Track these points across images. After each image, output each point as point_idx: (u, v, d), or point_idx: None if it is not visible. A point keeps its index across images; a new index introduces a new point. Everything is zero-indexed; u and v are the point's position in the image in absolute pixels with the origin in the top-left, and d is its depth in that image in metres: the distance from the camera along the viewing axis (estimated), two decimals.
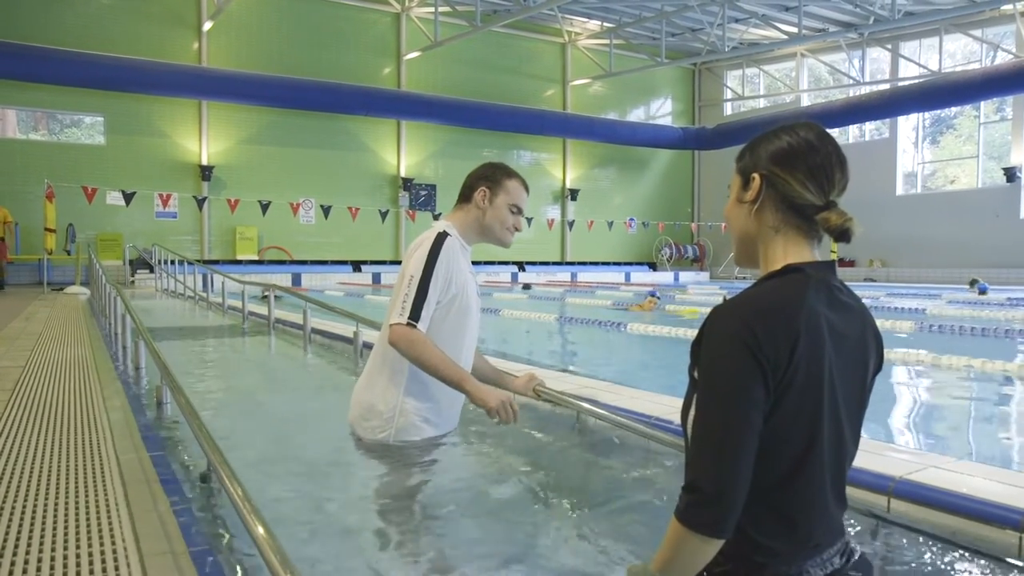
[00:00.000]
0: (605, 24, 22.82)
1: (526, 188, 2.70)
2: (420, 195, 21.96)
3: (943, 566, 1.72)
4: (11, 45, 15.62)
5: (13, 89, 16.66)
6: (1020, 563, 1.73)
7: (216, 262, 17.47)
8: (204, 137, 19.11)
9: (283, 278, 16.78)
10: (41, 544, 1.81)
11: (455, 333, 2.59)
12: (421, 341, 2.41)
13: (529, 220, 23.17)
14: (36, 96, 17.07)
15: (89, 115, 18.14)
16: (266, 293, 9.53)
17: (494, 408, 2.39)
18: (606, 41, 23.27)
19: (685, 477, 1.37)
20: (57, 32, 16.86)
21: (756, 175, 1.48)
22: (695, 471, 1.36)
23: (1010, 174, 19.62)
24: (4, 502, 2.13)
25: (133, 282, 16.67)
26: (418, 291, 2.44)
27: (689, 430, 1.42)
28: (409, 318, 2.41)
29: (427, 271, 2.45)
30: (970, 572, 1.70)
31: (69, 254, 16.07)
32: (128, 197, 15.21)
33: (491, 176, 2.64)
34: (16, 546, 1.79)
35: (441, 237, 2.53)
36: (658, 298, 11.03)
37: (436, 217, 20.02)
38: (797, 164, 1.44)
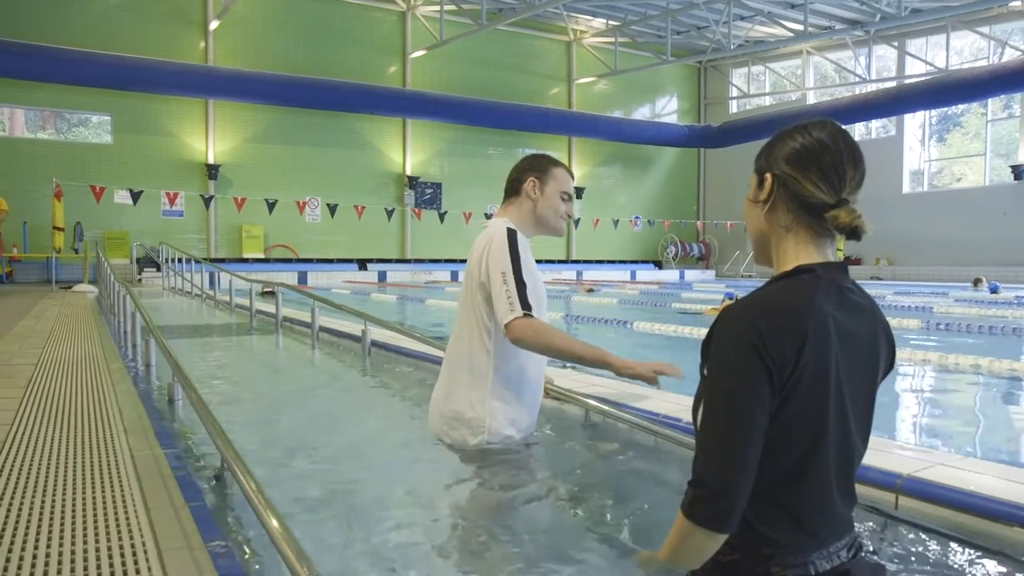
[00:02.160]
0: (610, 22, 22.80)
1: (572, 176, 2.72)
2: (426, 193, 21.99)
3: (951, 563, 1.73)
4: (18, 44, 15.69)
5: (21, 89, 16.74)
6: None
7: (223, 260, 17.54)
8: (211, 136, 19.18)
9: (289, 276, 16.83)
10: (61, 538, 1.84)
11: None
12: (545, 327, 2.39)
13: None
14: (44, 95, 17.15)
15: (96, 114, 18.22)
16: (266, 290, 9.57)
17: (650, 377, 2.38)
18: (611, 39, 23.25)
19: (692, 472, 1.40)
20: (64, 32, 16.94)
21: (769, 175, 1.50)
22: (701, 467, 1.39)
23: (1018, 172, 19.53)
24: (24, 498, 2.16)
25: (140, 280, 16.75)
26: (517, 283, 2.40)
27: (698, 427, 1.45)
28: (523, 310, 2.37)
29: (515, 263, 2.42)
30: (978, 569, 1.71)
31: (77, 252, 16.15)
32: (135, 196, 15.29)
33: (537, 166, 2.64)
34: (37, 540, 1.82)
35: (513, 232, 2.50)
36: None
37: (442, 216, 20.05)
38: (809, 163, 1.45)
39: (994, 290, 12.90)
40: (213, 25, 18.66)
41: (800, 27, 20.11)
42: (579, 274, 21.85)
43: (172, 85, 17.61)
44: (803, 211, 1.47)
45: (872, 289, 13.39)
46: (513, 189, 2.66)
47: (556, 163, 2.68)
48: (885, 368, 1.54)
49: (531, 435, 2.65)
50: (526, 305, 2.37)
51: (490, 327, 2.50)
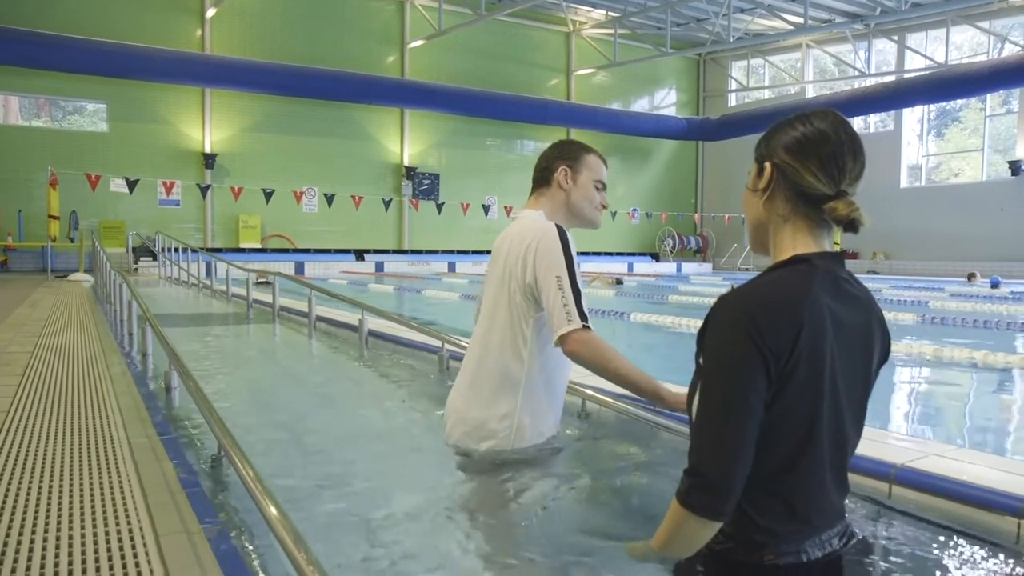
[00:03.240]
0: (610, 13, 22.74)
1: (605, 163, 2.50)
2: (423, 184, 21.96)
3: (943, 552, 1.75)
4: (13, 31, 15.60)
5: (15, 75, 16.65)
6: (1019, 549, 1.76)
7: (219, 250, 17.51)
8: (207, 125, 19.11)
9: (286, 266, 16.82)
10: (59, 523, 1.84)
11: None
12: (604, 346, 2.20)
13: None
14: (38, 83, 17.06)
15: (92, 102, 18.14)
16: (260, 280, 9.56)
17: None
18: (611, 31, 23.18)
19: (688, 461, 1.41)
20: (60, 18, 16.84)
21: (768, 164, 1.50)
22: (697, 456, 1.40)
23: (1015, 167, 19.56)
24: (21, 483, 2.16)
25: (136, 269, 16.72)
26: (573, 291, 2.20)
27: (693, 416, 1.46)
28: (582, 321, 2.17)
29: (571, 267, 2.23)
30: (969, 558, 1.73)
31: (72, 241, 16.11)
32: (131, 184, 15.23)
33: (568, 153, 2.43)
34: (34, 525, 1.83)
35: (563, 232, 2.29)
36: None
37: (440, 207, 20.01)
38: (809, 154, 1.45)
39: (995, 284, 12.91)
40: (210, 13, 18.57)
41: (800, 20, 20.07)
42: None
43: (168, 73, 17.54)
44: (801, 201, 1.47)
45: (869, 283, 13.39)
46: (543, 179, 2.44)
47: (588, 149, 2.48)
48: (880, 359, 1.54)
49: (553, 437, 2.49)
50: (584, 316, 2.18)
51: (528, 334, 2.31)
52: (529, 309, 2.30)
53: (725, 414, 1.37)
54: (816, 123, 1.47)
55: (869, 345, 1.51)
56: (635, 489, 2.42)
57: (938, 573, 1.64)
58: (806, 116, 1.49)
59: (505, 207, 20.85)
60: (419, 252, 21.44)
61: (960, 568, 1.68)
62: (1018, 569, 1.68)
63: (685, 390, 2.12)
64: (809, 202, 1.46)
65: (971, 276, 15.12)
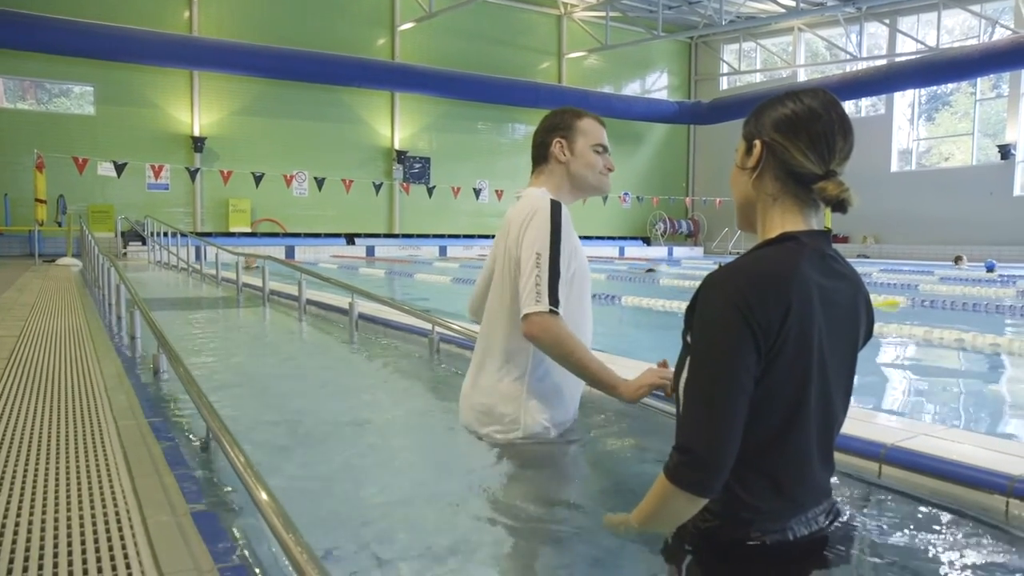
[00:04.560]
0: None
1: (602, 124, 2.36)
2: (414, 167, 21.85)
3: (933, 530, 1.76)
4: None
5: (0, 57, 16.41)
6: (1007, 527, 1.77)
7: (209, 234, 17.40)
8: (196, 108, 18.92)
9: (277, 251, 16.72)
10: (44, 506, 1.83)
11: (578, 314, 2.24)
12: (567, 334, 2.07)
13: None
14: (23, 64, 16.84)
15: (78, 84, 17.92)
16: (248, 265, 9.50)
17: (661, 383, 2.09)
18: (602, 13, 23.04)
19: (676, 438, 1.40)
20: None
21: (758, 142, 1.48)
22: (687, 432, 1.39)
23: (1004, 151, 19.63)
24: (6, 466, 2.14)
25: (125, 254, 16.60)
26: (551, 271, 2.07)
27: (681, 393, 1.45)
28: (550, 305, 2.04)
29: (555, 246, 2.10)
30: (959, 535, 1.74)
31: (60, 225, 15.96)
32: (119, 168, 15.09)
33: (560, 124, 2.31)
34: (19, 507, 1.81)
35: (557, 206, 2.17)
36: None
37: (431, 190, 19.93)
38: (799, 132, 1.44)
39: (991, 268, 12.96)
40: None
41: (792, 3, 20.01)
42: None
43: (156, 55, 17.32)
44: (791, 180, 1.46)
45: (859, 267, 13.46)
46: (540, 156, 2.33)
47: (581, 114, 2.33)
48: (864, 336, 1.55)
49: (569, 430, 2.36)
50: (554, 300, 2.05)
51: None
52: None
53: (715, 391, 1.36)
54: (807, 101, 1.46)
55: (855, 322, 1.51)
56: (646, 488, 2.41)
57: (927, 551, 1.65)
58: (796, 94, 1.47)
59: (496, 191, 20.81)
60: (410, 236, 21.38)
61: (950, 546, 1.69)
62: (1006, 546, 1.69)
63: (642, 382, 2.10)
64: (798, 181, 1.46)
65: (958, 259, 15.20)
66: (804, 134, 1.44)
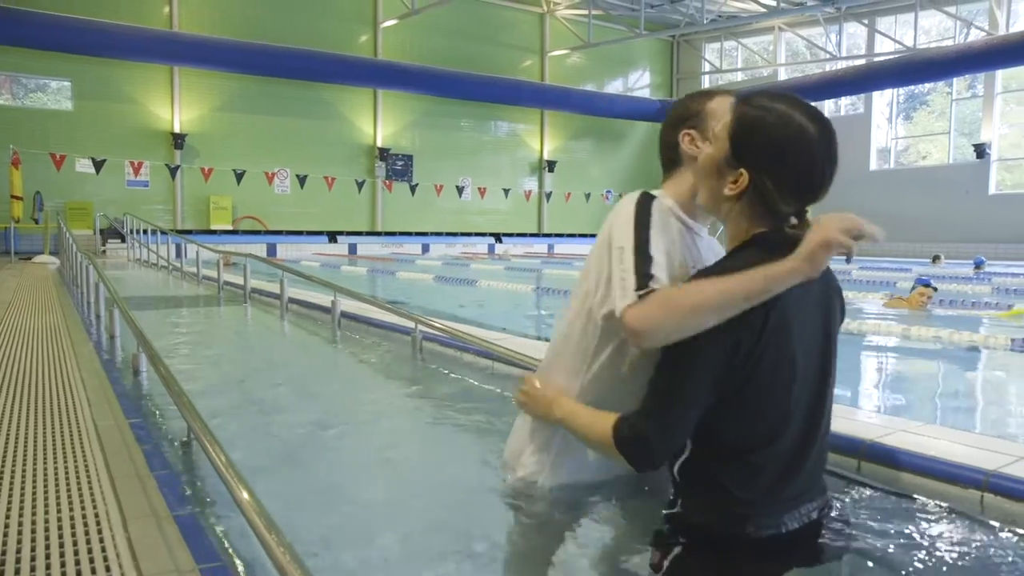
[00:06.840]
0: None
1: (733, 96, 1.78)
2: (397, 165, 21.76)
3: (911, 523, 1.79)
4: None
5: None
6: (982, 519, 1.81)
7: (190, 232, 17.20)
8: (176, 104, 18.70)
9: (258, 248, 16.59)
10: (21, 508, 1.80)
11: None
12: (664, 298, 1.51)
13: (506, 191, 23.31)
14: None
15: (55, 79, 17.64)
16: (226, 262, 9.42)
17: (843, 241, 1.47)
18: (585, 12, 23.05)
19: (637, 414, 1.50)
20: None
21: (746, 174, 1.48)
22: (645, 414, 1.48)
23: (980, 150, 19.91)
24: None
25: (104, 252, 16.39)
26: (636, 257, 1.61)
27: (655, 372, 1.53)
28: (637, 290, 1.55)
29: (639, 235, 1.65)
30: (936, 528, 1.77)
31: (37, 223, 15.72)
32: (98, 165, 14.90)
33: (686, 113, 1.85)
34: None
35: (646, 198, 1.74)
36: (935, 289, 6.95)
37: (413, 188, 19.86)
38: (784, 172, 1.46)
39: (979, 264, 13.07)
40: None
41: (773, 2, 20.15)
42: (550, 247, 21.88)
43: (135, 50, 17.08)
44: (769, 214, 1.50)
45: (837, 265, 13.55)
46: (671, 161, 1.86)
47: (710, 94, 1.86)
48: (838, 321, 1.60)
49: (598, 488, 1.92)
50: (642, 281, 1.57)
51: (591, 346, 1.78)
52: (599, 311, 1.72)
53: (679, 387, 1.45)
54: (809, 132, 1.44)
55: (831, 310, 1.57)
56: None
57: (906, 543, 1.68)
58: (800, 124, 1.44)
59: (479, 188, 20.81)
60: (392, 234, 21.29)
61: (927, 538, 1.72)
62: (982, 536, 1.72)
63: (811, 246, 1.46)
64: (774, 215, 1.50)
65: (936, 258, 15.37)
66: (790, 174, 1.46)
